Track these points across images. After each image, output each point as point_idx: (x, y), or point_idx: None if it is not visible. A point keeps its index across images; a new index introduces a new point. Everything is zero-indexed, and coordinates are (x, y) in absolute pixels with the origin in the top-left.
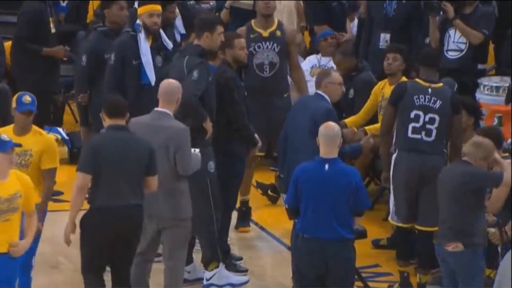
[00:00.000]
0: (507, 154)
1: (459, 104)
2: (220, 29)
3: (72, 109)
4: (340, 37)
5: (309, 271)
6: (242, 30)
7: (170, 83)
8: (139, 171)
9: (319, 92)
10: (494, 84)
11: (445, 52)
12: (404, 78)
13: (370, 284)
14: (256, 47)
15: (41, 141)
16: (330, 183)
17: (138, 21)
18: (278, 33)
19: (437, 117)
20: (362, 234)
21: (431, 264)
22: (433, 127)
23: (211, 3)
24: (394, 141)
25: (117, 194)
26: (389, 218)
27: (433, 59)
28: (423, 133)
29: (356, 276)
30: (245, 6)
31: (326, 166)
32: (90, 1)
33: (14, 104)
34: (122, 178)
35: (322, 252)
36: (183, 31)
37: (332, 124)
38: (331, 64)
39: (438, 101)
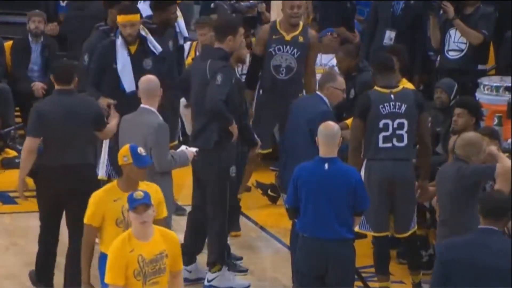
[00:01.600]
0: (507, 154)
1: (423, 103)
2: (241, 31)
3: None
4: (353, 38)
5: (309, 271)
6: (266, 28)
7: (148, 80)
8: (86, 130)
9: (319, 93)
10: (494, 84)
11: (445, 52)
12: (404, 80)
13: (370, 284)
14: (276, 49)
15: (153, 190)
16: (330, 183)
17: None
18: (301, 38)
19: (405, 121)
20: (362, 234)
21: (420, 265)
22: (403, 131)
23: (251, 1)
24: (362, 152)
25: (64, 154)
26: (356, 228)
27: (385, 64)
28: (394, 139)
29: (356, 276)
30: None
31: (326, 166)
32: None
33: (127, 160)
34: (68, 139)
35: (322, 252)
36: (186, 34)
37: (331, 123)
38: (332, 62)
39: (403, 104)
